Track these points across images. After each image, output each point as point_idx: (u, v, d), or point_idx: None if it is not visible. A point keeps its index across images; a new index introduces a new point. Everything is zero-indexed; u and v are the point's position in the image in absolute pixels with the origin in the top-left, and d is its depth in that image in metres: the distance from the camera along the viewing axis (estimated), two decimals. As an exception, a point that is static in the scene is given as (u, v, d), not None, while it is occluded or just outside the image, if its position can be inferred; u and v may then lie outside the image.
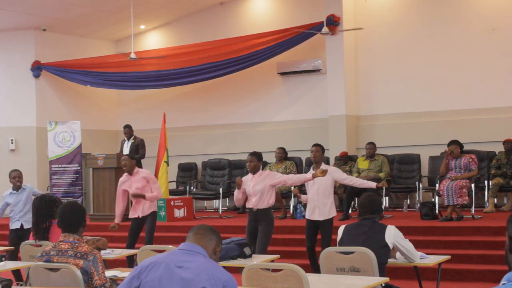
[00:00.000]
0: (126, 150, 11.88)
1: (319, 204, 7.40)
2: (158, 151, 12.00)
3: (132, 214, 8.25)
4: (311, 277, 4.49)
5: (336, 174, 7.52)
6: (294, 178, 7.34)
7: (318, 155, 7.46)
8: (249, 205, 7.28)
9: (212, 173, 13.15)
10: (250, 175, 7.29)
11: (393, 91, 12.15)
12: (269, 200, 7.19)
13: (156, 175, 11.82)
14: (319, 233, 7.48)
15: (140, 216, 8.17)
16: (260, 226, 7.16)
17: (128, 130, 12.07)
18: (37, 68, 13.46)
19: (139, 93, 14.57)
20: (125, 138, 12.11)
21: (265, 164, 12.13)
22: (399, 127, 12.04)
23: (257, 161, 7.22)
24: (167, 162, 11.87)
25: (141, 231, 8.25)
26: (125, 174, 8.25)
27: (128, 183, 8.22)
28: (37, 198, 6.26)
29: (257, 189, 7.12)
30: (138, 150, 11.90)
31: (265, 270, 4.39)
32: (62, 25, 13.49)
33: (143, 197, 8.10)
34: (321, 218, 7.39)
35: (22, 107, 13.42)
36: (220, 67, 12.85)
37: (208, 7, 13.84)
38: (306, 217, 7.57)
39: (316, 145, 7.59)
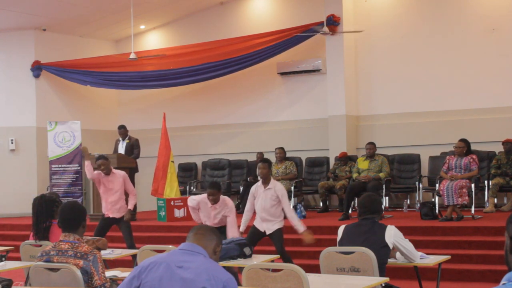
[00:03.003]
0: (121, 150, 11.90)
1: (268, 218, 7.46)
2: (160, 151, 11.98)
3: (106, 213, 8.30)
4: (311, 277, 4.49)
5: (282, 197, 7.47)
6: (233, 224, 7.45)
7: (265, 172, 7.46)
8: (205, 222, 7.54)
9: (212, 173, 13.15)
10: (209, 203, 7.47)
11: (393, 91, 12.15)
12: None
13: (163, 174, 11.81)
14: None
15: (117, 217, 8.25)
16: None
17: (123, 131, 12.08)
18: (37, 68, 13.46)
19: (139, 93, 14.57)
20: (120, 138, 12.13)
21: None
22: (399, 127, 12.04)
23: (268, 169, 7.47)
24: (173, 162, 11.93)
25: (107, 231, 8.30)
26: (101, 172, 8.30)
27: (104, 180, 8.29)
28: (37, 198, 6.24)
29: (218, 218, 7.44)
30: (133, 150, 11.92)
31: (265, 270, 4.39)
32: (62, 25, 13.48)
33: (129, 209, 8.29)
34: (269, 231, 7.46)
35: (22, 107, 13.42)
36: (220, 67, 12.84)
37: (208, 7, 13.85)
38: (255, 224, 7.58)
39: (263, 161, 7.60)
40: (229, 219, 7.39)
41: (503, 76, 11.37)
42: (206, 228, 3.50)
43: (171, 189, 11.73)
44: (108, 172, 8.26)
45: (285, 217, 7.47)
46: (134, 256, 7.39)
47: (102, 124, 14.42)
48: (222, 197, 7.48)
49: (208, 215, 7.46)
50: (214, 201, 7.36)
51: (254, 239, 7.44)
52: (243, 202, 12.01)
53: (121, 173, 8.37)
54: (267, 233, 7.44)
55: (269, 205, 7.37)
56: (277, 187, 7.45)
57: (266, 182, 7.45)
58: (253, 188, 7.61)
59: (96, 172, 8.33)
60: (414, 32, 12.08)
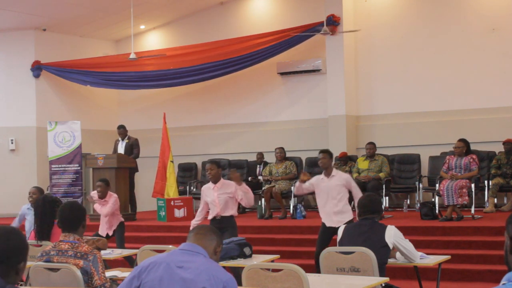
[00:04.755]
0: (120, 150, 11.89)
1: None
2: (161, 151, 12.03)
3: (101, 232, 8.38)
4: (311, 277, 4.49)
5: (351, 182, 7.51)
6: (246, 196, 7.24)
7: (325, 162, 7.40)
8: (212, 214, 7.27)
9: (212, 173, 13.12)
10: (210, 184, 7.30)
11: (393, 91, 12.15)
12: (233, 209, 7.25)
13: (163, 175, 11.84)
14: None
15: (110, 234, 8.36)
16: (226, 233, 6.99)
17: (123, 131, 12.07)
18: (37, 68, 13.45)
19: (139, 93, 14.57)
20: (119, 138, 12.12)
21: (265, 164, 12.14)
22: (399, 127, 12.04)
23: (217, 169, 7.24)
24: (172, 162, 11.92)
25: None
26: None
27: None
28: (40, 199, 6.25)
29: (222, 199, 7.16)
30: (133, 150, 11.91)
31: (265, 270, 4.39)
32: (62, 25, 13.48)
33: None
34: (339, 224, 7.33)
35: (22, 107, 13.42)
36: (220, 67, 12.84)
37: (208, 7, 13.85)
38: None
39: (323, 152, 7.50)
40: (240, 191, 7.17)
41: (503, 76, 11.36)
42: (207, 228, 3.51)
43: (171, 189, 11.74)
44: (102, 196, 8.35)
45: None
46: (128, 258, 7.37)
47: (102, 124, 14.42)
48: (226, 180, 7.34)
49: (213, 199, 7.19)
50: (212, 176, 7.18)
51: (325, 238, 7.28)
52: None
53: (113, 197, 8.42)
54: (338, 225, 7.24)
55: (336, 192, 7.29)
56: (343, 175, 7.50)
57: (328, 172, 7.38)
58: (313, 179, 7.54)
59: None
60: (414, 32, 12.08)
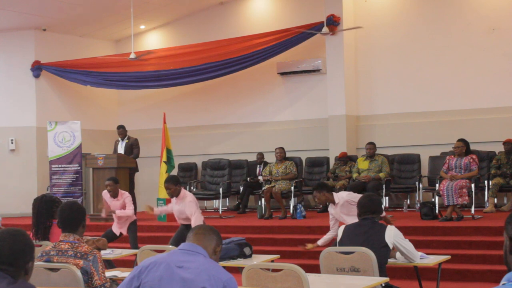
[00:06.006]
0: (120, 150, 11.89)
1: None
2: (161, 152, 12.06)
3: (114, 229, 8.43)
4: (311, 277, 4.49)
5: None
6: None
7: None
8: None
9: (212, 173, 13.14)
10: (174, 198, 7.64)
11: (393, 91, 12.15)
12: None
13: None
14: None
15: (124, 234, 8.44)
16: None
17: (122, 131, 12.07)
18: (37, 68, 13.45)
19: (139, 93, 14.57)
20: (119, 139, 12.12)
21: (265, 164, 12.14)
22: (399, 127, 12.04)
23: (174, 187, 7.52)
24: (166, 162, 11.87)
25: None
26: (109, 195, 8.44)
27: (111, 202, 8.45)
28: (37, 198, 6.24)
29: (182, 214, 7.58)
30: (133, 150, 11.91)
31: (265, 270, 4.39)
32: (62, 25, 13.48)
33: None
34: None
35: (22, 107, 13.42)
36: (220, 67, 12.84)
37: (208, 7, 13.85)
38: None
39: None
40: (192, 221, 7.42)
41: (503, 76, 11.37)
42: (206, 228, 3.50)
43: (160, 189, 11.75)
44: (116, 196, 8.38)
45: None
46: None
47: (102, 124, 14.42)
48: (184, 192, 7.58)
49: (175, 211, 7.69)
50: (171, 195, 7.54)
51: None
52: (243, 202, 12.03)
53: (125, 194, 8.49)
54: None
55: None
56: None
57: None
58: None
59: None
60: (414, 32, 12.08)
